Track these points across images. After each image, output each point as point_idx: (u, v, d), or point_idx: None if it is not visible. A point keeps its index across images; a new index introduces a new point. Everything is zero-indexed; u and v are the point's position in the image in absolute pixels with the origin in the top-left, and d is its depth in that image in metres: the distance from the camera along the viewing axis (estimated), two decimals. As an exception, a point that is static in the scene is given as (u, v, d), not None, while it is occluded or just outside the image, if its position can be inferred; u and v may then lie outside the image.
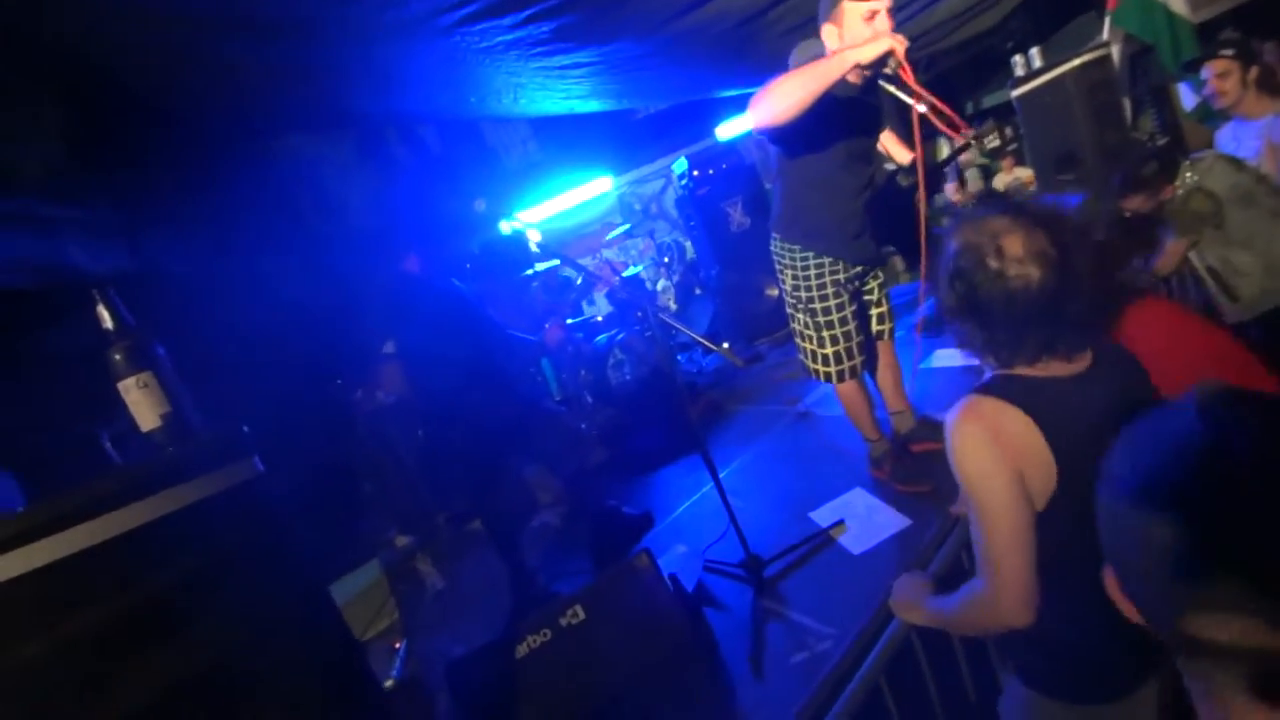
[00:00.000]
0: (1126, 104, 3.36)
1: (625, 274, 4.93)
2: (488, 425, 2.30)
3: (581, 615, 1.55)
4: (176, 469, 1.04)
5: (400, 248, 2.29)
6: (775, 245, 2.16)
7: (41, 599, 0.90)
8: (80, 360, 1.34)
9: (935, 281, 1.07)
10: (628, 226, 5.40)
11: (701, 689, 1.55)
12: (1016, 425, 0.96)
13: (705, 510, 2.60)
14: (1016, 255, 0.95)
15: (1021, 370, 1.01)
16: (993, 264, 0.96)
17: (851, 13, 1.72)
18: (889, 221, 2.64)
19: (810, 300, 2.08)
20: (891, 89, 1.68)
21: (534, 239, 4.52)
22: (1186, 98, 3.49)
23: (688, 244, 5.48)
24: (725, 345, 4.68)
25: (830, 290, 2.06)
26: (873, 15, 1.70)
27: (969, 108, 6.61)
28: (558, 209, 5.93)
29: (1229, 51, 2.50)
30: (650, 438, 3.48)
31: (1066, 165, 3.10)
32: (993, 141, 5.29)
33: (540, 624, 1.55)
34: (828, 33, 1.80)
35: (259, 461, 1.18)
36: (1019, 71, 3.45)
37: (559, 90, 3.58)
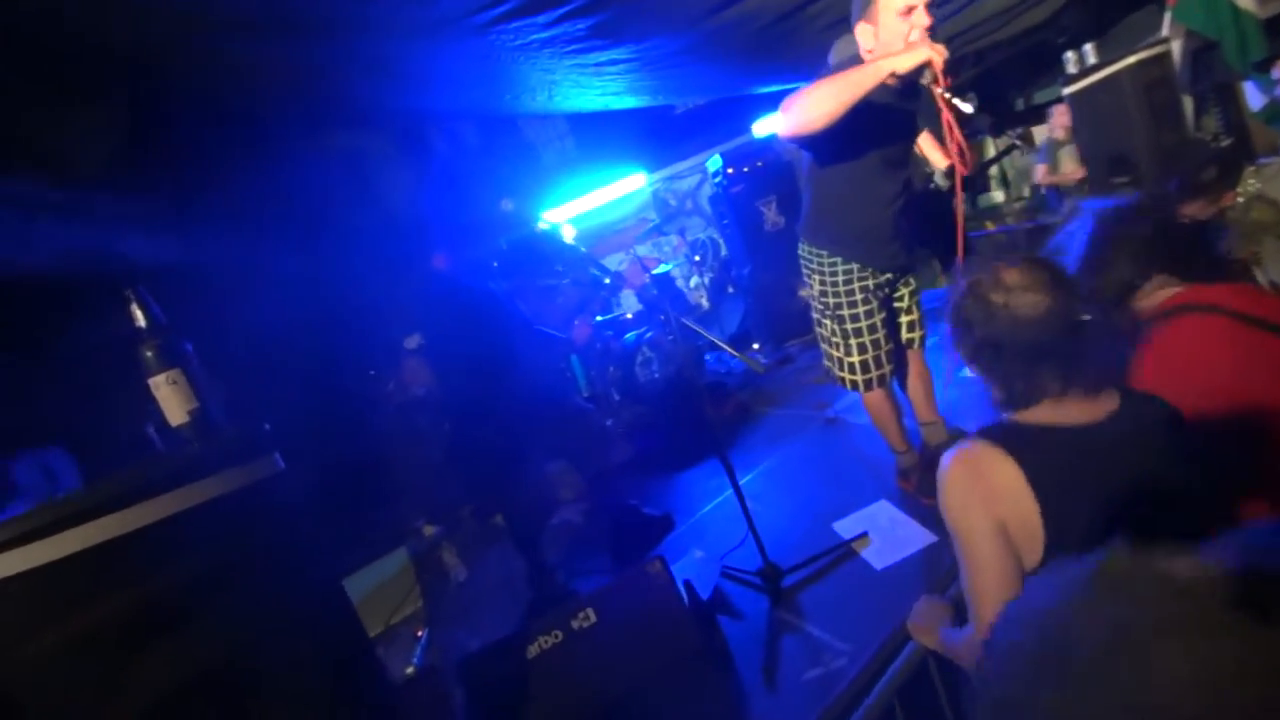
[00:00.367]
0: (1188, 103, 3.18)
1: (656, 271, 4.90)
2: (512, 422, 2.32)
3: (593, 618, 1.55)
4: (201, 465, 1.07)
5: (430, 245, 2.32)
6: (803, 250, 2.11)
7: (63, 589, 0.94)
8: (128, 349, 1.39)
9: (951, 330, 1.07)
10: (657, 221, 5.38)
11: (711, 698, 1.54)
12: (1004, 475, 0.94)
13: (726, 514, 2.58)
14: (1018, 283, 0.96)
15: (1032, 415, 0.98)
16: (995, 297, 0.96)
17: (887, 9, 1.66)
18: (927, 225, 2.56)
19: (838, 307, 2.03)
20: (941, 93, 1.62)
21: (569, 235, 4.55)
22: (1253, 97, 3.28)
23: (722, 241, 5.43)
24: (755, 347, 4.63)
25: (859, 297, 2.01)
26: (909, 10, 1.64)
27: (1019, 104, 6.36)
28: (592, 205, 5.94)
29: None
30: (676, 437, 3.46)
31: (1120, 167, 2.96)
32: (1042, 139, 5.08)
33: (552, 625, 1.56)
34: (862, 31, 1.74)
35: (279, 459, 1.21)
36: (1071, 68, 3.30)
37: (594, 87, 3.58)
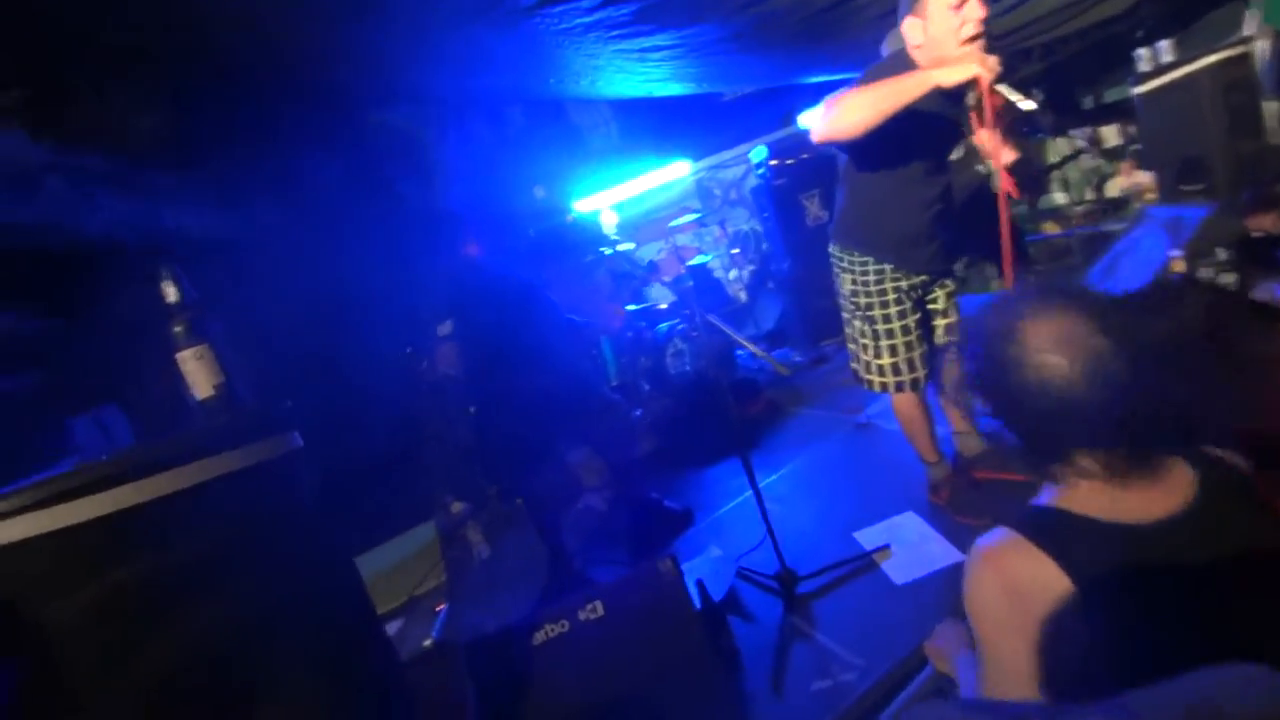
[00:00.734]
0: (1269, 109, 2.95)
1: (693, 263, 4.85)
2: (537, 409, 2.34)
3: (600, 611, 1.55)
4: (221, 439, 1.11)
5: (465, 231, 2.34)
6: (834, 249, 2.05)
7: (91, 549, 0.98)
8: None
9: (967, 373, 0.91)
10: (698, 215, 5.31)
11: (715, 701, 1.52)
12: (1043, 580, 0.77)
13: (747, 514, 2.54)
14: (1038, 344, 0.78)
15: (1078, 500, 0.80)
16: (1011, 351, 0.80)
17: (937, 3, 1.57)
18: (980, 225, 2.45)
19: (869, 307, 1.96)
20: (1003, 89, 1.53)
21: (610, 222, 4.51)
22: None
23: (763, 234, 5.33)
24: (785, 347, 4.54)
25: (891, 297, 1.93)
26: (961, 2, 1.55)
27: (1088, 101, 6.02)
28: (635, 192, 5.91)
29: None
30: (702, 432, 3.43)
31: (1192, 174, 2.77)
32: (1112, 141, 4.80)
33: (559, 614, 1.56)
34: (910, 26, 1.66)
35: (298, 437, 1.24)
36: (1144, 66, 3.09)
37: (637, 73, 3.53)
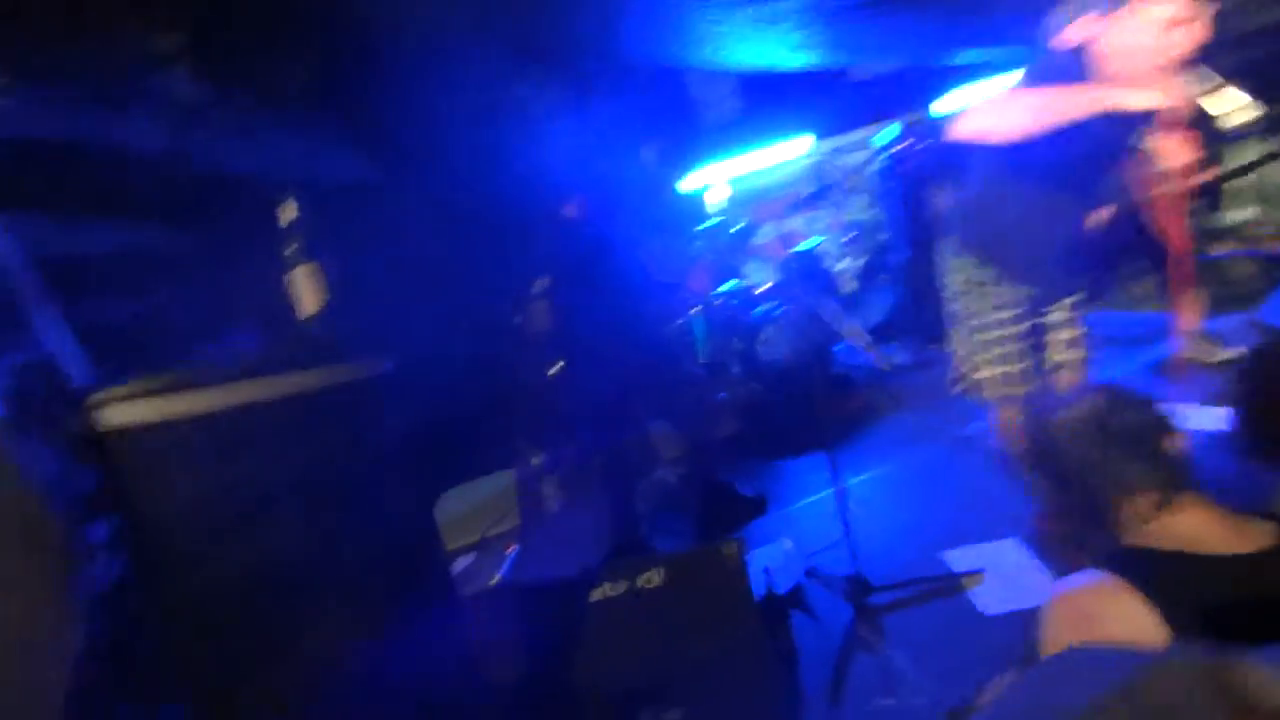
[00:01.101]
0: None
1: (800, 248, 4.63)
2: (617, 376, 2.32)
3: (658, 581, 1.51)
4: (322, 352, 1.15)
5: (564, 192, 2.34)
6: (950, 248, 1.84)
7: (189, 446, 1.05)
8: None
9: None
10: (813, 198, 5.05)
11: (767, 697, 1.45)
12: (1131, 619, 0.70)
13: (824, 512, 2.41)
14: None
15: (1157, 536, 0.76)
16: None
17: (1144, 13, 1.32)
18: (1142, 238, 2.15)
19: (973, 315, 1.75)
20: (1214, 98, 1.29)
21: (721, 197, 4.39)
22: None
23: (883, 223, 5.00)
24: (896, 345, 4.25)
25: (1008, 299, 1.71)
26: (1173, 25, 1.30)
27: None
28: (750, 169, 5.71)
29: None
30: (788, 422, 3.30)
31: None
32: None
33: (619, 575, 1.54)
34: (1097, 24, 1.40)
35: (387, 361, 1.27)
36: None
37: (765, 39, 3.36)
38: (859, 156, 5.88)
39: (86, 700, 0.99)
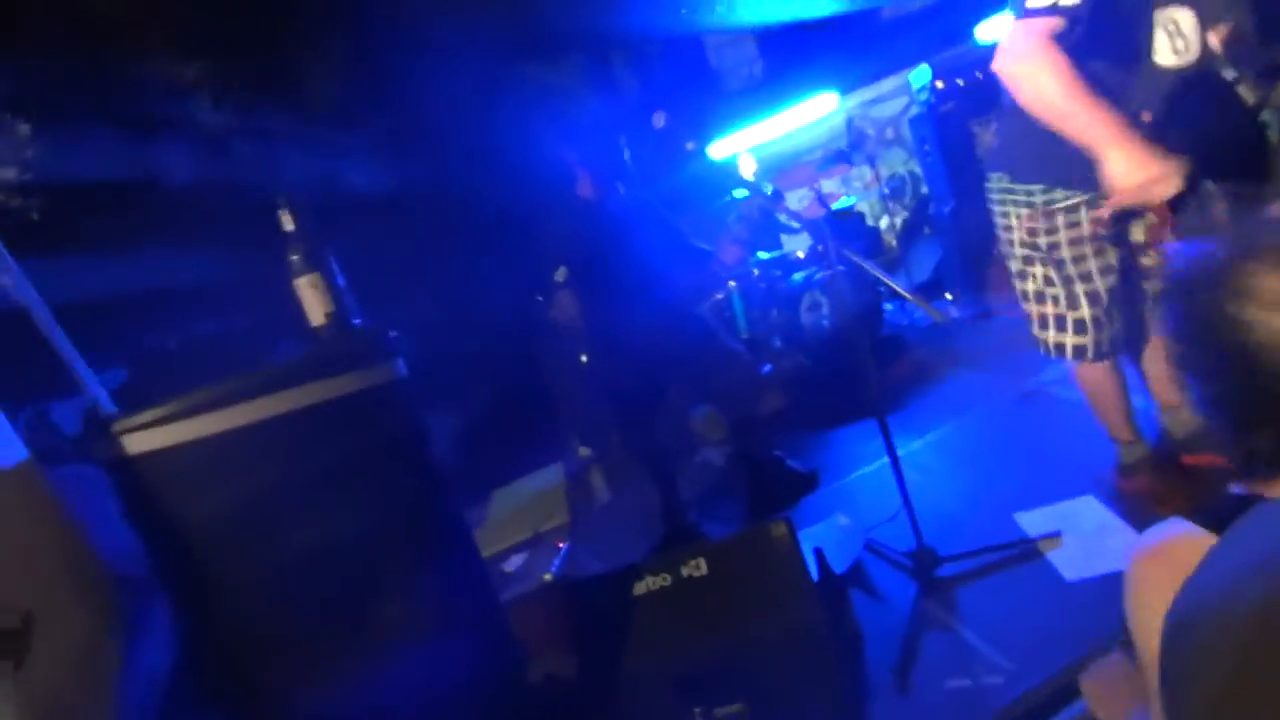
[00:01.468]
0: None
1: (836, 206, 4.42)
2: (652, 362, 2.25)
3: (704, 570, 1.44)
4: (326, 365, 1.13)
5: (575, 175, 2.26)
6: (1001, 182, 1.66)
7: (213, 461, 1.05)
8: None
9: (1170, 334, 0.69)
10: (845, 150, 4.80)
11: (829, 685, 1.37)
12: None
13: (881, 483, 2.28)
14: (1265, 298, 0.58)
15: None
16: (1230, 308, 0.60)
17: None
18: (1215, 140, 1.92)
19: (1054, 248, 1.57)
20: None
21: (749, 166, 4.24)
22: None
23: (922, 175, 4.72)
24: (947, 297, 4.02)
25: (1087, 234, 1.53)
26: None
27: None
28: (777, 133, 5.48)
29: None
30: (837, 392, 3.16)
31: None
32: None
33: (662, 567, 1.48)
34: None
35: (403, 365, 1.24)
36: None
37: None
38: (894, 106, 5.56)
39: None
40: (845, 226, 4.46)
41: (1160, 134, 1.47)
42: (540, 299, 3.77)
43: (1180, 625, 0.55)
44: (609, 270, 2.18)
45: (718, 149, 4.57)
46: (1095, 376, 1.67)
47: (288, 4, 2.80)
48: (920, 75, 3.88)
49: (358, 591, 1.15)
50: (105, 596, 0.89)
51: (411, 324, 1.67)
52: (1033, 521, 1.77)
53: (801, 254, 3.93)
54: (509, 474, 3.91)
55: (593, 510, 3.38)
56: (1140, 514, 1.63)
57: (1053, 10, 1.32)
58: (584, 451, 4.02)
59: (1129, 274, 1.64)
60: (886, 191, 4.81)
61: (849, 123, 5.77)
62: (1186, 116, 1.64)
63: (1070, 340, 1.62)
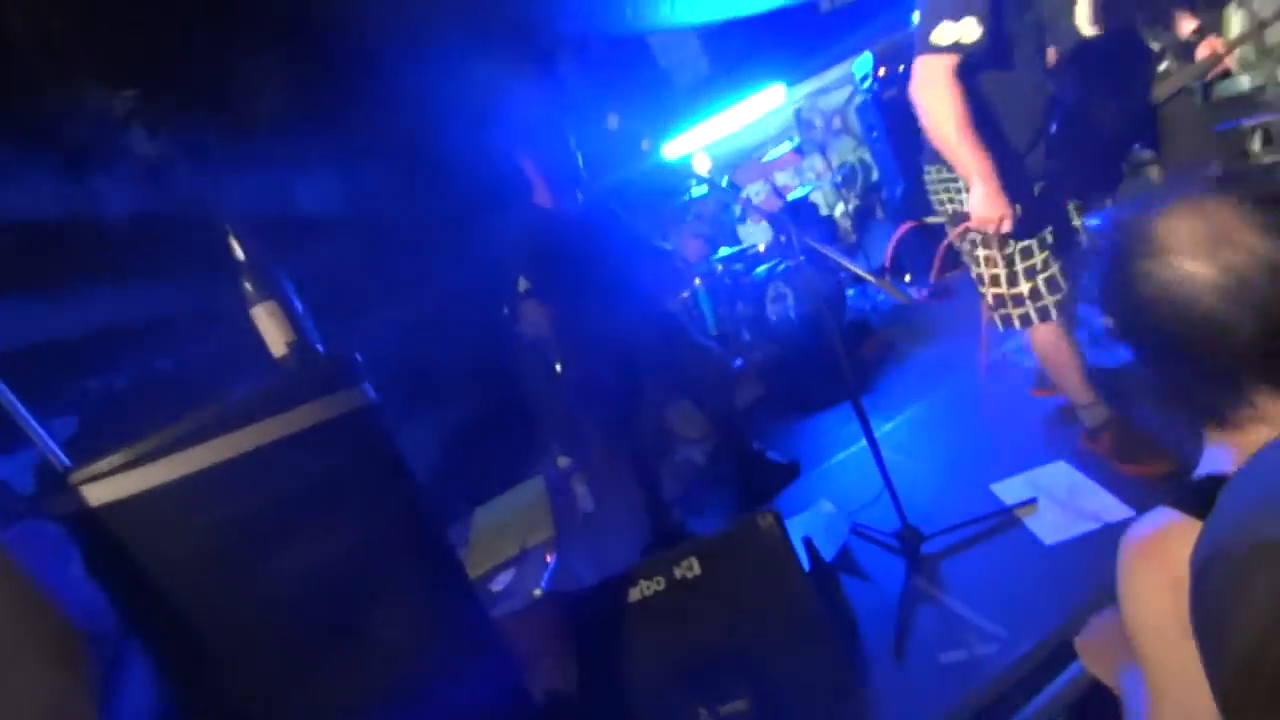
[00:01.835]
0: None
1: (792, 196, 4.49)
2: (624, 364, 2.24)
3: (697, 569, 1.44)
4: (292, 396, 1.09)
5: (528, 183, 2.24)
6: (938, 175, 1.75)
7: (180, 500, 1.00)
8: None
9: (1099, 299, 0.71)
10: (796, 145, 4.88)
11: (829, 668, 1.38)
12: None
13: (861, 465, 2.32)
14: (1177, 248, 0.60)
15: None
16: (1143, 261, 0.62)
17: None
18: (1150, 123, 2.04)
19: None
20: None
21: (702, 164, 4.25)
22: None
23: (872, 163, 4.82)
24: (906, 279, 4.11)
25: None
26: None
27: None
28: (728, 130, 5.54)
29: None
30: (809, 378, 3.20)
31: None
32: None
33: (655, 571, 1.48)
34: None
35: (370, 390, 1.20)
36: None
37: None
38: (840, 96, 5.67)
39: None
40: (803, 217, 4.52)
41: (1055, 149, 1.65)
42: (506, 311, 3.74)
43: (1211, 560, 0.54)
44: (575, 276, 2.16)
45: (671, 148, 4.59)
46: (1048, 339, 1.74)
47: (221, 21, 2.70)
48: (863, 64, 3.96)
49: (344, 623, 1.12)
50: (76, 655, 0.85)
51: (377, 345, 1.63)
52: (1008, 490, 1.82)
53: (762, 247, 3.98)
54: (489, 491, 3.84)
55: (577, 520, 3.35)
56: (1110, 474, 1.69)
57: (954, 48, 1.45)
58: (564, 461, 3.98)
59: (1071, 245, 1.73)
60: (839, 180, 4.90)
61: (797, 114, 5.86)
62: (1106, 84, 1.76)
63: (1015, 312, 1.71)
